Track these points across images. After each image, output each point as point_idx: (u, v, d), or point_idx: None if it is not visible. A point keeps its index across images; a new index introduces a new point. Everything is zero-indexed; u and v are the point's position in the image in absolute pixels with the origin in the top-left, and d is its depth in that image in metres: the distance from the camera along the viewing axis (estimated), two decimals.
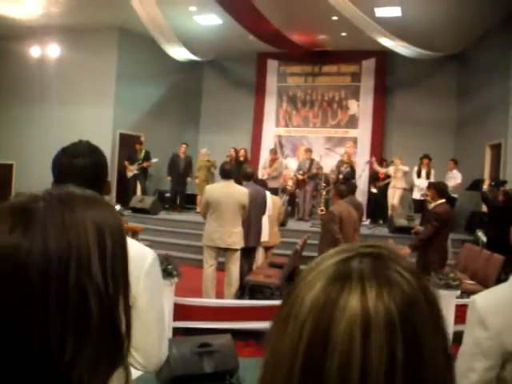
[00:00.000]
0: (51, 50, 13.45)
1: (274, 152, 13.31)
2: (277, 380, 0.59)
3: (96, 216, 0.71)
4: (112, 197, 12.31)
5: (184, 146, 13.39)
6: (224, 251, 6.72)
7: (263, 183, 8.31)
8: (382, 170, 12.76)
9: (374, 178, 13.22)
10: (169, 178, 13.41)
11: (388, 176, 12.85)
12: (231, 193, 6.52)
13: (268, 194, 7.66)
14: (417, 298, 0.61)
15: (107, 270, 0.70)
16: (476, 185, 10.35)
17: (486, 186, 9.18)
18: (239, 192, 6.59)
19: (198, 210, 11.16)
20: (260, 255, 8.15)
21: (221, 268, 6.93)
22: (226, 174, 6.69)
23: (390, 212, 12.05)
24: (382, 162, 13.45)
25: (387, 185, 12.74)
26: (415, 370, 0.57)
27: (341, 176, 12.05)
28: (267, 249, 8.48)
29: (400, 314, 0.58)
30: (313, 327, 0.57)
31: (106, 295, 0.69)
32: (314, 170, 12.61)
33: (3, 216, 0.69)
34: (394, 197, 12.33)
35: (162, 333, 1.63)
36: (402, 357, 0.56)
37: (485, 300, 1.57)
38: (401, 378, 0.56)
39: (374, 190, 13.05)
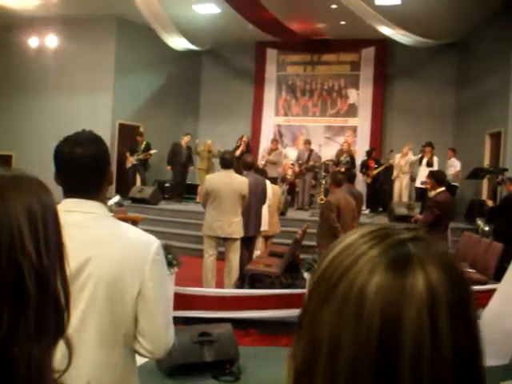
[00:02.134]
0: (49, 41, 13.36)
1: (275, 142, 13.25)
2: (340, 369, 0.57)
3: (24, 193, 0.72)
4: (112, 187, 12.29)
5: (188, 136, 13.40)
6: (224, 241, 6.71)
7: (263, 173, 8.30)
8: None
9: (364, 167, 12.87)
10: (169, 168, 13.37)
11: (381, 164, 12.77)
12: (231, 182, 6.51)
13: (268, 183, 7.66)
14: (467, 280, 0.61)
15: (40, 245, 0.71)
16: (476, 173, 10.34)
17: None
18: (239, 181, 6.58)
19: (198, 199, 11.16)
20: (260, 244, 8.17)
21: (221, 257, 6.94)
22: (225, 164, 6.67)
23: (395, 201, 11.91)
24: (372, 151, 13.29)
25: (386, 173, 12.68)
26: (473, 355, 0.58)
27: (340, 165, 12.01)
28: (267, 238, 8.50)
29: (460, 299, 0.58)
30: (382, 315, 0.56)
31: (41, 269, 0.70)
32: (311, 162, 12.53)
33: None
34: (401, 187, 12.26)
35: (168, 319, 1.67)
36: (464, 340, 0.57)
37: None
38: (464, 362, 0.57)
39: (367, 181, 12.80)
